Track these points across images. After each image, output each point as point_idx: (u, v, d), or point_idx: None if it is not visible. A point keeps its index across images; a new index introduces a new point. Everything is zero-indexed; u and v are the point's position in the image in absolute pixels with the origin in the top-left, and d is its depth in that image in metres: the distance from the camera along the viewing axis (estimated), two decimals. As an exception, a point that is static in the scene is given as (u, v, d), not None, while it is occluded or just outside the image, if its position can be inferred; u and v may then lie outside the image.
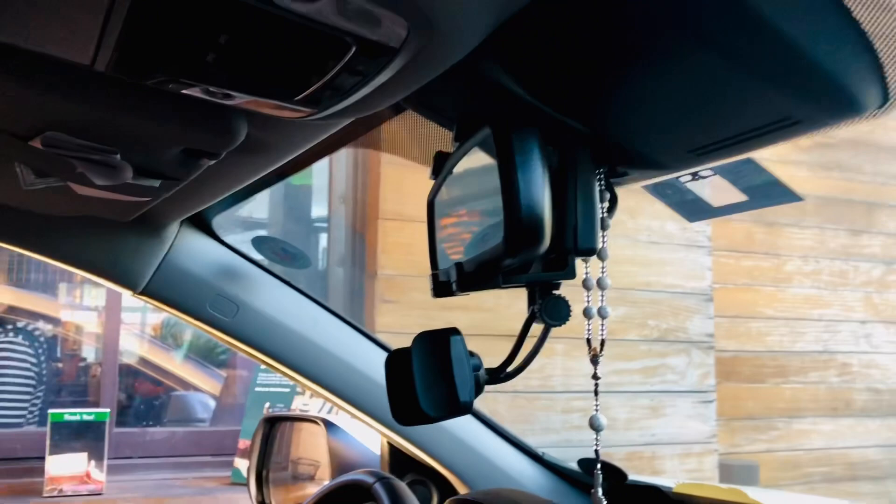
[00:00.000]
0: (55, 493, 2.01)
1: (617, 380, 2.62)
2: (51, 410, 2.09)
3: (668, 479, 1.23)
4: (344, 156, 2.57)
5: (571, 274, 0.52)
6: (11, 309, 2.60)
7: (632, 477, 1.16)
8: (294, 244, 1.22)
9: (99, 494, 2.05)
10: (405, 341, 0.60)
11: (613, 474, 1.16)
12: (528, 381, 2.49)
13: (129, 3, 0.39)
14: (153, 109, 0.57)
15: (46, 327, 2.62)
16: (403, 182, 2.42)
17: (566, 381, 2.55)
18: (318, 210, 3.08)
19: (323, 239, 2.94)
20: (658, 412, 2.70)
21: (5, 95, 0.58)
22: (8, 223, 0.98)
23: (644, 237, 2.69)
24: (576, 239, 0.50)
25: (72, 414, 2.09)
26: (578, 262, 0.53)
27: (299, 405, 2.28)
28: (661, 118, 0.49)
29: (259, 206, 2.96)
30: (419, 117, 0.69)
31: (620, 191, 0.56)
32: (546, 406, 2.56)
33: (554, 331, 0.54)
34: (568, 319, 0.54)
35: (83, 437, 2.07)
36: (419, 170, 1.07)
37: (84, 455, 2.06)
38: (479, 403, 0.58)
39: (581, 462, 1.23)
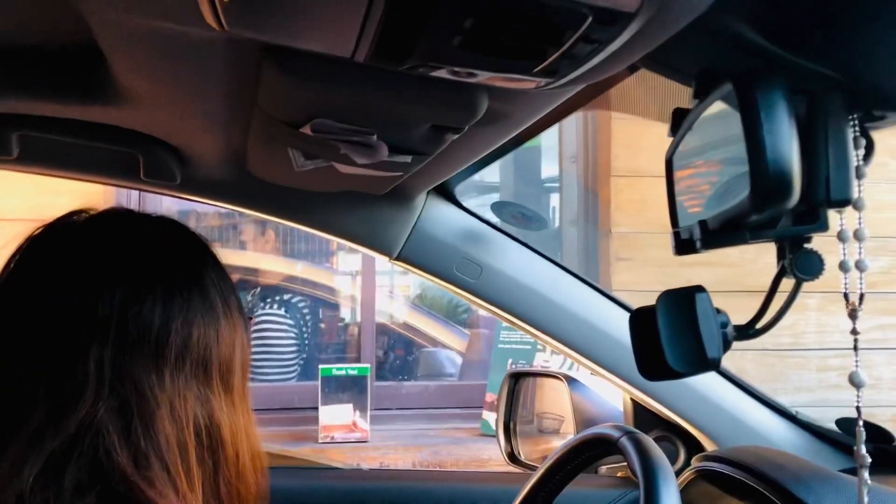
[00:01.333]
0: (328, 440, 2.24)
1: (881, 336, 2.40)
2: (321, 366, 2.32)
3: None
4: (573, 115, 2.56)
5: (824, 226, 0.50)
6: (282, 276, 2.92)
7: (900, 440, 1.08)
8: (528, 206, 1.26)
9: (365, 442, 2.25)
10: (643, 300, 0.60)
11: (878, 435, 1.09)
12: (778, 338, 2.36)
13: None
14: (405, 92, 0.62)
15: (310, 292, 2.90)
16: (635, 137, 2.37)
17: (820, 338, 2.38)
18: (548, 170, 3.11)
19: (554, 199, 2.96)
20: (930, 371, 2.45)
21: (279, 90, 0.66)
22: (282, 201, 1.11)
23: (910, 179, 2.42)
24: (828, 190, 0.48)
25: (339, 369, 2.31)
26: (832, 213, 0.51)
27: (540, 362, 2.34)
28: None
29: (490, 170, 3.03)
30: (652, 73, 0.69)
31: (883, 130, 0.53)
32: (798, 364, 2.41)
33: (807, 285, 0.53)
34: (820, 274, 0.52)
35: (348, 389, 2.28)
36: (652, 124, 1.05)
37: (350, 406, 2.27)
38: (726, 361, 0.58)
39: (839, 421, 1.16)
